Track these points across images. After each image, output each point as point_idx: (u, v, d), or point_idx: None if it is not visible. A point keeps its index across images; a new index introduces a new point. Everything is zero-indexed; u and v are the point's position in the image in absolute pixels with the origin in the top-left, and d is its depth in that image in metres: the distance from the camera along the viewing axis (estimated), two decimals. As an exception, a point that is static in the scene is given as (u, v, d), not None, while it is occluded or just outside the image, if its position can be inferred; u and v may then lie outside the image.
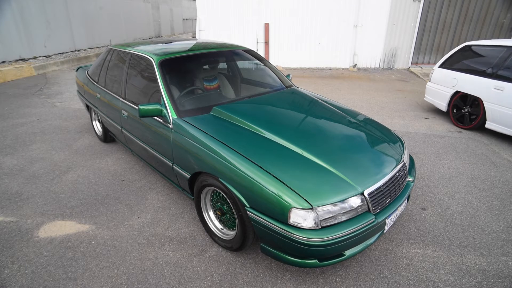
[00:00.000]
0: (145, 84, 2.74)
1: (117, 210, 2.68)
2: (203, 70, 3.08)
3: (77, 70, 4.48)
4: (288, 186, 1.69)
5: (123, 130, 3.09)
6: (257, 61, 3.40)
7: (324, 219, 1.65)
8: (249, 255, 2.19)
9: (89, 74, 3.92)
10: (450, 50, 9.44)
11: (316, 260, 1.73)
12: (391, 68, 9.64)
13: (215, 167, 1.97)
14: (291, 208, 1.63)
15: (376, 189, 1.83)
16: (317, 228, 1.64)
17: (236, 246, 2.09)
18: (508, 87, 3.83)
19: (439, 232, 2.41)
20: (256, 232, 1.88)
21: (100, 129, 4.03)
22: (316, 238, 1.61)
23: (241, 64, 3.44)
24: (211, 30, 10.04)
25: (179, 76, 2.75)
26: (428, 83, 5.21)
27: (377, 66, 9.70)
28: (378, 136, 2.32)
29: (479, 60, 4.46)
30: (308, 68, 9.96)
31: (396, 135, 2.44)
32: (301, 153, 1.94)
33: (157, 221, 2.54)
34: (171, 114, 2.35)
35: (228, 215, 2.14)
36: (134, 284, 1.95)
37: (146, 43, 3.29)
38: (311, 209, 1.63)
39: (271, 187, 1.70)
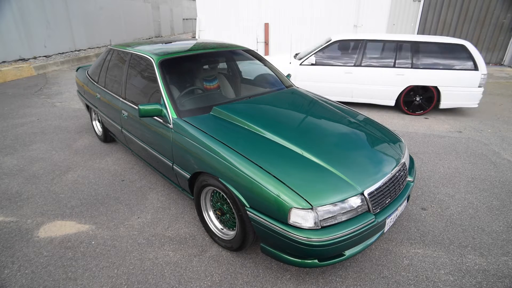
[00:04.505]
0: (145, 84, 2.74)
1: (117, 210, 2.68)
2: (203, 70, 3.08)
3: (77, 70, 4.48)
4: (288, 186, 1.69)
5: (123, 130, 3.09)
6: (257, 61, 3.40)
7: (324, 219, 1.65)
8: (249, 255, 2.19)
9: (89, 74, 3.92)
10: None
11: (316, 260, 1.73)
12: (391, 68, 9.63)
13: (215, 167, 1.97)
14: (291, 208, 1.63)
15: (376, 189, 1.83)
16: (317, 228, 1.64)
17: (236, 246, 2.09)
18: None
19: (439, 232, 2.41)
20: (256, 232, 1.88)
21: (100, 129, 4.03)
22: (316, 238, 1.61)
23: (241, 64, 3.44)
24: (211, 30, 10.04)
25: (179, 76, 2.75)
26: None
27: (377, 66, 9.69)
28: (378, 136, 2.32)
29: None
30: (308, 68, 9.95)
31: (396, 135, 2.44)
32: (301, 153, 1.94)
33: (157, 221, 2.54)
34: (171, 114, 2.35)
35: (228, 215, 2.14)
36: (134, 284, 1.95)
37: (146, 43, 3.29)
38: (311, 209, 1.63)
39: (271, 187, 1.70)
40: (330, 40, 5.27)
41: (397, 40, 5.00)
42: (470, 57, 4.75)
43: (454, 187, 3.03)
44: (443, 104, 5.02)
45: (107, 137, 3.94)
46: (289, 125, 2.26)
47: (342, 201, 1.70)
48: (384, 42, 5.04)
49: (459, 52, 4.79)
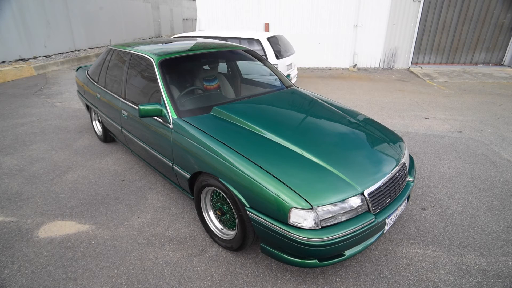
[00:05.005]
0: (145, 84, 2.74)
1: (117, 210, 2.68)
2: (203, 70, 3.09)
3: (77, 70, 4.48)
4: (288, 186, 1.69)
5: (123, 130, 3.09)
6: (257, 61, 3.40)
7: (324, 219, 1.65)
8: (249, 255, 2.19)
9: (89, 74, 3.92)
10: (450, 50, 9.45)
11: (316, 260, 1.73)
12: (391, 68, 9.64)
13: (215, 167, 1.97)
14: (291, 208, 1.63)
15: (376, 189, 1.83)
16: (317, 228, 1.64)
17: (236, 246, 2.09)
18: None
19: (439, 232, 2.41)
20: (256, 232, 1.88)
21: (100, 129, 4.03)
22: (316, 238, 1.61)
23: (241, 64, 3.44)
24: (211, 30, 10.03)
25: (179, 76, 2.75)
26: None
27: (377, 66, 9.70)
28: (378, 136, 2.31)
29: None
30: (308, 68, 9.97)
31: (396, 135, 2.44)
32: (301, 153, 1.94)
33: (157, 221, 2.54)
34: (171, 114, 2.35)
35: (228, 215, 2.14)
36: (134, 284, 1.95)
37: (146, 43, 3.29)
38: (311, 209, 1.63)
39: (271, 187, 1.70)
40: (171, 37, 6.27)
41: (209, 36, 5.96)
42: (262, 49, 5.58)
43: (454, 187, 3.03)
44: None
45: (107, 137, 3.94)
46: (289, 125, 2.26)
47: (342, 201, 1.70)
48: (199, 37, 5.86)
49: (255, 45, 5.68)
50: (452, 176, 3.23)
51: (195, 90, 2.78)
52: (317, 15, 9.35)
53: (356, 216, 1.74)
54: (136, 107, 2.73)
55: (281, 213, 1.67)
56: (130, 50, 3.08)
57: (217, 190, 2.06)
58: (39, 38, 10.12)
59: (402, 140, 2.38)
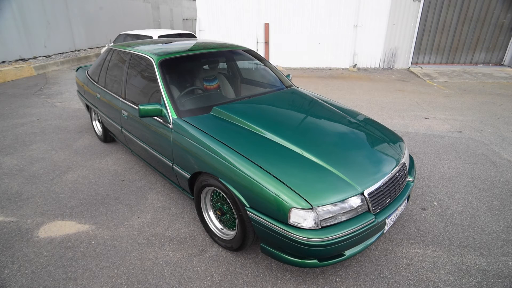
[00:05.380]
0: (145, 84, 2.74)
1: (117, 210, 2.68)
2: (203, 70, 3.08)
3: (77, 70, 4.48)
4: (288, 186, 1.69)
5: (123, 130, 3.09)
6: (257, 61, 3.40)
7: (324, 219, 1.65)
8: (249, 255, 2.19)
9: (89, 74, 3.92)
10: (450, 50, 9.46)
11: (316, 260, 1.73)
12: (391, 68, 9.64)
13: (215, 167, 1.97)
14: (291, 208, 1.63)
15: (376, 189, 1.83)
16: (317, 228, 1.64)
17: (236, 246, 2.09)
18: None
19: (439, 232, 2.41)
20: (256, 232, 1.88)
21: (100, 129, 4.03)
22: (316, 238, 1.61)
23: (241, 64, 3.44)
24: (211, 30, 10.04)
25: (179, 76, 2.75)
26: None
27: (377, 66, 9.70)
28: (378, 136, 2.31)
29: None
30: (308, 68, 9.96)
31: (396, 135, 2.44)
32: (301, 153, 1.94)
33: (157, 221, 2.54)
34: (171, 114, 2.35)
35: (228, 215, 2.14)
36: (134, 284, 1.95)
37: (146, 43, 3.29)
38: (311, 209, 1.63)
39: (271, 187, 1.70)
40: (119, 34, 7.04)
41: (150, 34, 6.42)
42: None
43: (454, 187, 3.03)
44: None
45: (107, 137, 3.94)
46: (289, 125, 2.26)
47: (342, 201, 1.70)
48: (143, 36, 6.45)
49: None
50: (452, 176, 3.23)
51: (195, 90, 2.78)
52: (317, 15, 9.35)
53: (356, 216, 1.74)
54: (136, 107, 2.73)
55: (281, 213, 1.67)
56: (130, 50, 3.08)
57: (217, 190, 2.06)
58: (39, 38, 10.12)
59: (402, 140, 2.38)
